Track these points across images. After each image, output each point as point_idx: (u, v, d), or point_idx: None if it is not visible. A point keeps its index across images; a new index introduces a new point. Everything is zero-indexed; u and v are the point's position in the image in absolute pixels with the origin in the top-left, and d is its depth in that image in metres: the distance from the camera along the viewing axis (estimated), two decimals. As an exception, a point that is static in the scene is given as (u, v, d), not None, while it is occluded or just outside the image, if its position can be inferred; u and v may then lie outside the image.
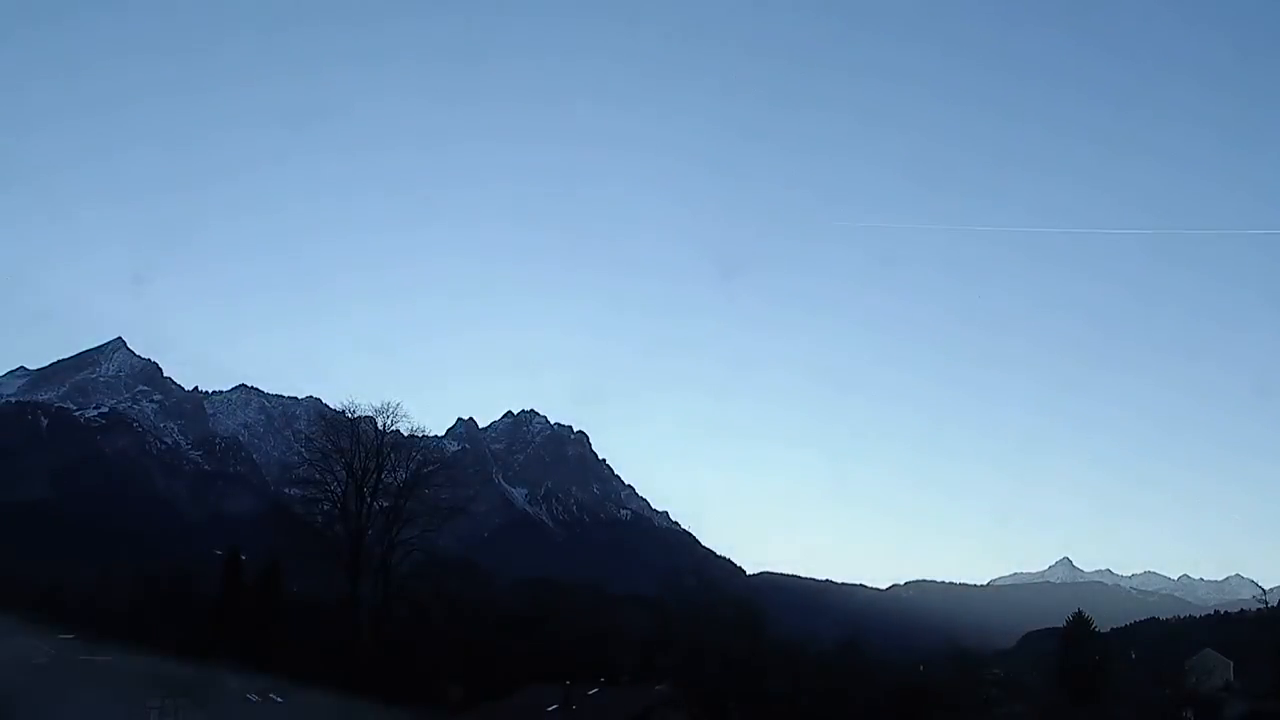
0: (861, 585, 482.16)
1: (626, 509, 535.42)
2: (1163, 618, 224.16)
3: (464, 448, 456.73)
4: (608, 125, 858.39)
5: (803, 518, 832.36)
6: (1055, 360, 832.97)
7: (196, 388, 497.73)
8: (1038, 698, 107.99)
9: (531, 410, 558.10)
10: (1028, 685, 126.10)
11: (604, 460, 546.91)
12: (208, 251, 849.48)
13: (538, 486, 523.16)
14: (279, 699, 63.29)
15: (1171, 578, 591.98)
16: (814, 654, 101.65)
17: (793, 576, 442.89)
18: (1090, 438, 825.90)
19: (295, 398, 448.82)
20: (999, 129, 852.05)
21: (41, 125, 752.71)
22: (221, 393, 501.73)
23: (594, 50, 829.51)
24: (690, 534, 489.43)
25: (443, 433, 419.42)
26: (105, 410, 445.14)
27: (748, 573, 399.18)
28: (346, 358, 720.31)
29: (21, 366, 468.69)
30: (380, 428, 70.35)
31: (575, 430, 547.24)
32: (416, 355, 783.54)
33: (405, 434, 73.09)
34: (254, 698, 62.31)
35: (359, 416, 71.11)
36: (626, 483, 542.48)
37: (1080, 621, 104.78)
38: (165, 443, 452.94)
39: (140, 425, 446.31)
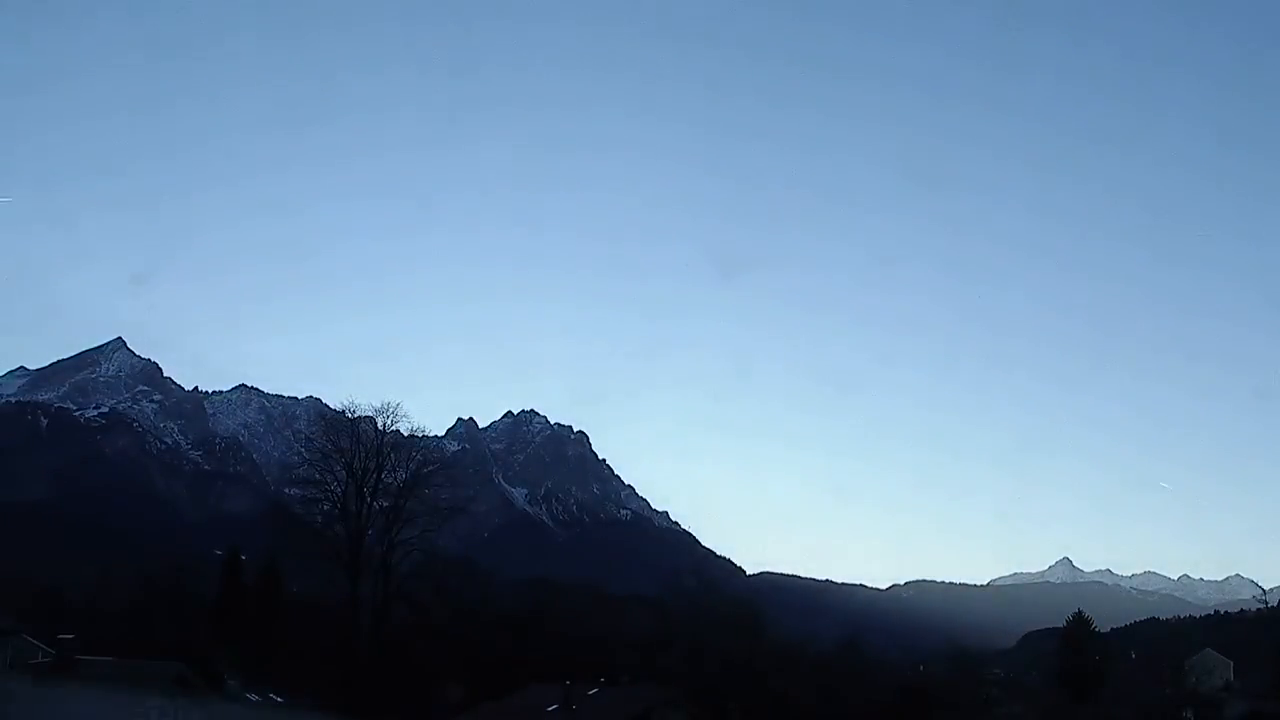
0: (861, 585, 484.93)
1: (626, 509, 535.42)
2: (1163, 618, 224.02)
3: (464, 448, 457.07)
4: (608, 127, 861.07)
5: (803, 518, 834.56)
6: (1055, 360, 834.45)
7: (196, 388, 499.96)
8: (1038, 698, 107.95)
9: (531, 410, 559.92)
10: (1028, 685, 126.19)
11: (604, 460, 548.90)
12: (208, 252, 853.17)
13: (538, 486, 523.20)
14: (279, 699, 63.38)
15: (1171, 578, 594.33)
16: (814, 654, 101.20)
17: (793, 576, 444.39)
18: (1090, 438, 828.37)
19: (295, 398, 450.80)
20: (998, 128, 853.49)
21: (42, 127, 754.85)
22: (221, 393, 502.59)
23: (593, 54, 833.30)
24: (690, 534, 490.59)
25: (443, 433, 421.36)
26: (105, 410, 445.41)
27: (748, 573, 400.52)
28: (346, 358, 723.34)
29: (21, 366, 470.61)
30: (380, 428, 70.29)
31: (575, 430, 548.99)
32: (416, 355, 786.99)
33: (405, 434, 73.13)
34: (254, 697, 62.33)
35: (359, 416, 71.12)
36: (626, 483, 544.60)
37: (1080, 621, 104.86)
38: (165, 443, 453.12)
39: (140, 425, 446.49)
